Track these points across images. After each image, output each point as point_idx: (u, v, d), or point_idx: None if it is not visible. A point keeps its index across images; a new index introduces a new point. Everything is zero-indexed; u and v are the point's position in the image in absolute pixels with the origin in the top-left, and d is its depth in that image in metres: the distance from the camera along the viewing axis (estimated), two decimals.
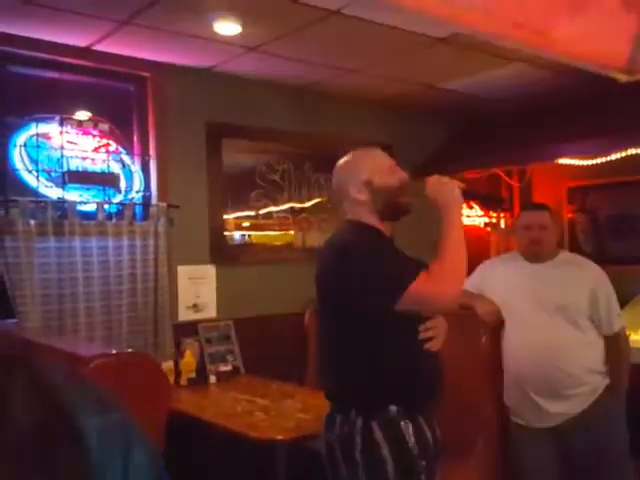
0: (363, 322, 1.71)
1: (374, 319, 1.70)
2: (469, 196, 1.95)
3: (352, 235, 1.80)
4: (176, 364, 3.41)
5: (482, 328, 2.58)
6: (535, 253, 2.58)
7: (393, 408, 1.69)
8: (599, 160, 4.01)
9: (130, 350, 2.17)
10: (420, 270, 1.69)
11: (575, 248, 4.65)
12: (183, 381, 3.38)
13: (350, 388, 1.75)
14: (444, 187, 1.85)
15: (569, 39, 1.29)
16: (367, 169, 1.84)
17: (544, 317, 2.48)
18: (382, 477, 1.66)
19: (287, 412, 2.63)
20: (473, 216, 5.16)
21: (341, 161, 1.92)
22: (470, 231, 5.23)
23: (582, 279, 2.52)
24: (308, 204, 4.28)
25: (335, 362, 1.80)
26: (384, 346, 1.72)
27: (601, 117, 3.83)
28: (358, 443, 1.67)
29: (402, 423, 1.69)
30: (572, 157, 4.11)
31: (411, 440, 1.68)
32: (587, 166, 4.22)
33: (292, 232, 4.22)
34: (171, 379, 3.19)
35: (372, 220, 1.83)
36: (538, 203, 3.17)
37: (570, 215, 5.02)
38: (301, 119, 4.12)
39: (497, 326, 2.59)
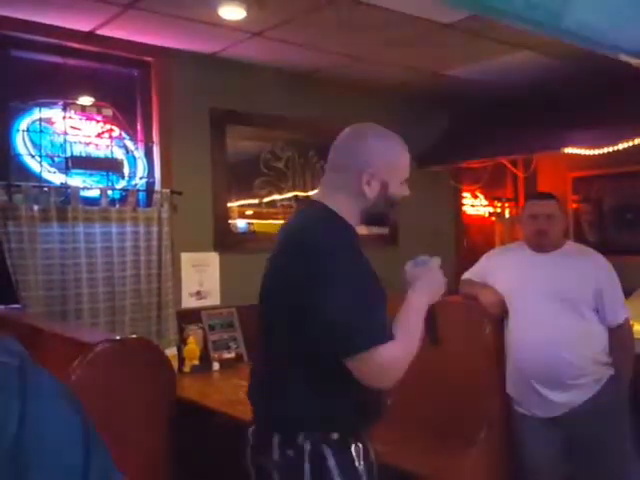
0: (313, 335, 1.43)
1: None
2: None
3: (329, 228, 1.50)
4: (179, 351, 3.42)
5: (485, 318, 2.57)
6: (541, 243, 2.56)
7: (346, 430, 1.48)
8: (606, 150, 3.99)
9: (134, 336, 2.17)
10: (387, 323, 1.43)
11: (580, 238, 4.63)
12: (186, 368, 3.38)
13: (300, 406, 1.48)
14: (440, 279, 1.59)
15: (583, 21, 1.27)
16: (394, 170, 1.56)
17: (548, 307, 2.47)
18: None
19: None
20: (478, 206, 5.15)
21: (379, 133, 1.59)
22: (475, 221, 5.23)
23: (587, 269, 2.51)
24: (312, 192, 4.27)
25: (281, 371, 1.52)
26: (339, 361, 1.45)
27: (608, 106, 3.80)
28: (307, 472, 1.44)
29: (353, 447, 1.48)
30: (578, 147, 4.08)
31: (360, 465, 1.48)
32: (592, 156, 4.19)
33: None
34: (175, 366, 3.19)
35: (354, 217, 1.55)
36: (544, 192, 3.14)
37: (575, 205, 5.00)
38: (306, 106, 4.09)
39: (501, 316, 2.58)
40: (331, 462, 1.44)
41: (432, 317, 1.56)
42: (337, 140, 1.59)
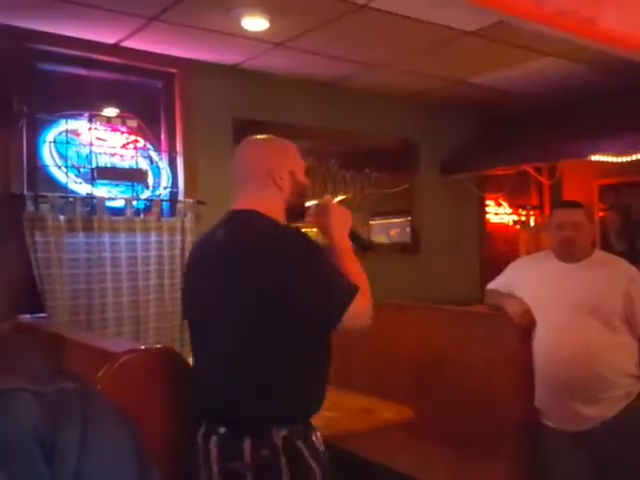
0: (284, 324, 1.52)
1: (297, 323, 1.53)
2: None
3: (275, 223, 1.62)
4: None
5: (512, 329, 2.53)
6: (568, 253, 2.51)
7: (305, 420, 1.57)
8: (633, 157, 3.92)
9: (159, 345, 2.18)
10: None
11: (606, 247, 4.55)
12: None
13: (272, 401, 1.53)
14: (343, 210, 1.77)
15: (615, 27, 1.24)
16: (293, 158, 1.73)
17: (577, 318, 2.42)
18: None
19: None
20: (501, 214, 5.10)
21: (263, 137, 1.77)
22: (499, 229, 5.17)
23: (616, 279, 2.46)
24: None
25: (241, 373, 1.54)
26: (305, 348, 1.56)
27: (635, 113, 3.73)
28: (283, 464, 1.48)
29: (313, 435, 1.56)
30: (605, 154, 4.02)
31: (323, 450, 1.57)
32: (619, 163, 4.13)
33: (316, 230, 4.19)
34: None
35: (281, 214, 1.67)
36: (571, 200, 3.09)
37: (601, 213, 4.92)
38: (327, 115, 4.10)
39: (528, 327, 2.54)
40: (305, 452, 1.51)
41: (355, 236, 1.75)
42: (237, 158, 1.75)
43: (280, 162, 1.69)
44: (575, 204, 2.65)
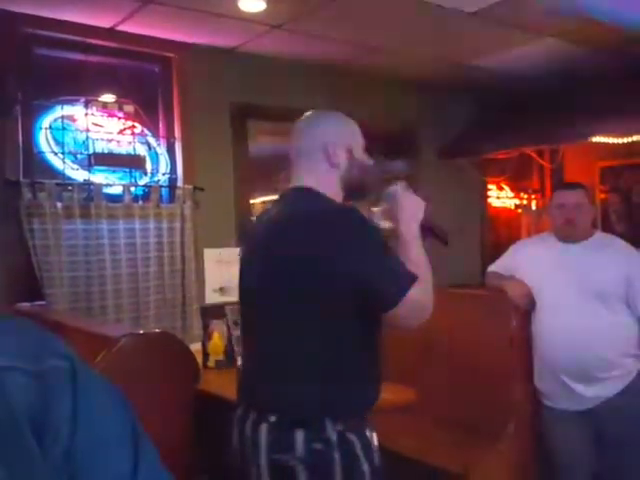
0: (341, 312, 1.45)
1: (353, 310, 1.45)
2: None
3: (332, 202, 1.54)
4: (204, 346, 3.42)
5: (513, 310, 2.52)
6: (569, 233, 2.50)
7: (361, 415, 1.50)
8: (634, 138, 3.89)
9: (158, 330, 2.17)
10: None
11: (607, 229, 4.53)
12: (211, 363, 3.38)
13: (324, 393, 1.45)
14: (415, 198, 1.67)
15: None
16: (351, 135, 1.65)
17: (577, 299, 2.42)
18: None
19: None
20: (503, 197, 5.07)
21: (322, 111, 1.72)
22: (501, 213, 5.15)
23: (617, 261, 2.45)
24: (406, 188, 4.22)
25: (295, 360, 1.47)
26: (360, 338, 1.49)
27: (637, 94, 3.70)
28: (337, 461, 1.41)
29: (367, 430, 1.49)
30: (606, 135, 3.99)
31: (376, 447, 1.50)
32: (621, 145, 4.10)
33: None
34: (199, 361, 3.19)
35: (337, 193, 1.59)
36: (573, 182, 3.07)
37: (603, 195, 4.90)
38: (327, 99, 4.06)
39: (528, 308, 2.53)
40: (358, 449, 1.44)
41: (431, 228, 1.66)
42: (294, 132, 1.68)
43: (337, 138, 1.61)
44: (576, 185, 2.63)
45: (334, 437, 1.41)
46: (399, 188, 1.69)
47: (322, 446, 1.41)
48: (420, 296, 1.46)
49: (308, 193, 1.55)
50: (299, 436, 1.40)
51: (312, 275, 1.42)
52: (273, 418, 1.44)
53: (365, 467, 1.44)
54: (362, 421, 1.49)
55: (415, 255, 1.55)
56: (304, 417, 1.43)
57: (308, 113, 1.70)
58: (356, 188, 1.64)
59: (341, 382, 1.46)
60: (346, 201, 1.62)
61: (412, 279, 1.45)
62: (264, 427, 1.45)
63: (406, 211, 1.62)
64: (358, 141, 1.66)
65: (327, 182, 1.57)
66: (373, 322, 1.50)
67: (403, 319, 1.46)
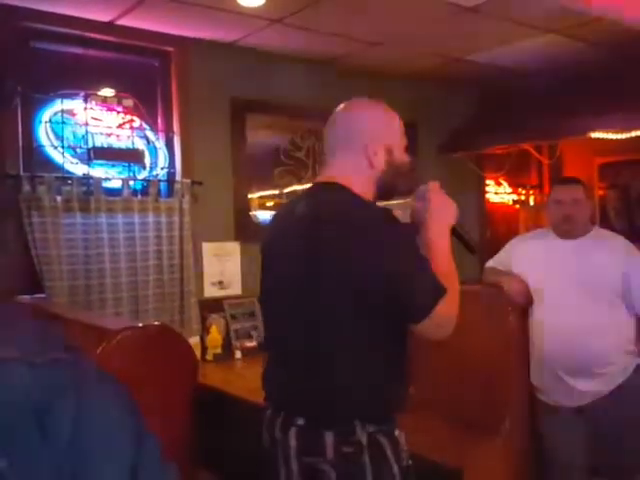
0: (373, 313, 1.39)
1: (378, 312, 1.39)
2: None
3: (366, 203, 1.44)
4: (202, 340, 3.44)
5: (509, 306, 2.53)
6: (567, 229, 2.51)
7: (391, 416, 1.46)
8: (633, 134, 3.90)
9: (157, 323, 2.18)
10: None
11: (606, 225, 4.54)
12: (209, 356, 3.40)
13: (354, 394, 1.41)
14: (448, 199, 1.57)
15: None
16: (394, 133, 1.54)
17: (574, 295, 2.42)
18: None
19: None
20: (501, 193, 5.08)
21: (366, 102, 1.56)
22: (498, 208, 5.16)
23: (614, 256, 2.45)
24: (437, 189, 4.21)
25: (325, 361, 1.41)
26: (388, 341, 1.44)
27: (635, 89, 3.70)
28: (367, 464, 1.38)
29: (397, 431, 1.46)
30: (605, 131, 3.99)
31: (405, 448, 1.47)
32: (619, 142, 4.10)
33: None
34: (197, 355, 3.21)
35: (369, 192, 1.50)
36: (571, 177, 3.08)
37: (601, 192, 4.91)
38: (326, 94, 4.05)
39: (525, 304, 2.54)
40: (388, 450, 1.41)
41: (459, 234, 1.55)
42: (332, 121, 1.55)
43: (378, 135, 1.50)
44: (574, 180, 2.64)
45: (364, 439, 1.38)
46: (432, 188, 1.58)
47: (352, 449, 1.38)
48: (447, 310, 1.40)
49: (337, 189, 1.46)
50: (329, 439, 1.37)
51: (344, 275, 1.36)
52: (302, 421, 1.41)
53: (395, 469, 1.41)
54: (392, 422, 1.46)
55: (445, 264, 1.46)
56: (334, 419, 1.40)
57: (350, 101, 1.56)
58: (389, 188, 1.56)
59: (371, 383, 1.42)
60: (377, 199, 1.54)
61: (441, 292, 1.38)
62: (293, 430, 1.42)
63: (438, 214, 1.53)
64: (400, 139, 1.55)
65: (361, 180, 1.48)
66: (403, 322, 1.45)
67: (429, 333, 1.41)
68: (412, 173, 1.60)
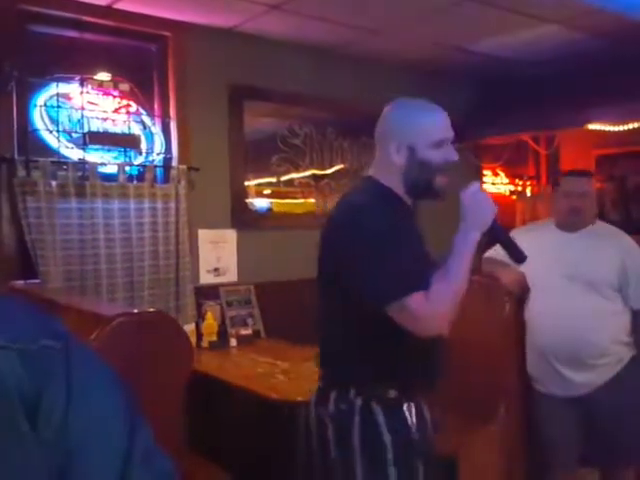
0: (352, 297, 1.54)
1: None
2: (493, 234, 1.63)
3: (366, 195, 1.58)
4: (197, 327, 3.43)
5: (506, 297, 2.53)
6: (574, 221, 2.50)
7: (401, 389, 1.56)
8: (630, 125, 3.89)
9: (152, 310, 2.17)
10: (426, 274, 1.47)
11: (602, 217, 4.53)
12: (204, 344, 3.40)
13: (348, 364, 1.60)
14: (484, 202, 1.55)
15: None
16: (416, 132, 1.57)
17: (570, 287, 2.43)
18: (380, 465, 1.51)
19: (307, 375, 2.62)
20: (498, 184, 5.08)
21: (402, 102, 1.67)
22: (495, 199, 5.14)
23: (612, 250, 2.46)
24: (330, 171, 4.21)
25: (331, 333, 1.66)
26: (379, 322, 1.50)
27: (634, 81, 3.69)
28: (357, 424, 1.53)
29: (405, 405, 1.56)
30: (602, 122, 3.98)
31: (414, 423, 1.55)
32: (617, 133, 4.10)
33: (313, 200, 4.16)
34: (193, 341, 3.20)
35: (397, 186, 1.60)
36: (580, 169, 3.05)
37: (598, 184, 4.90)
38: (324, 82, 4.03)
39: (521, 295, 2.54)
40: (380, 418, 1.53)
41: (502, 240, 1.59)
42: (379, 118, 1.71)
43: (402, 134, 1.58)
44: (584, 173, 2.63)
45: (359, 402, 1.55)
46: (468, 189, 1.55)
47: (346, 407, 1.56)
48: (430, 307, 1.43)
49: (366, 183, 1.66)
50: (332, 395, 1.59)
51: (332, 262, 1.58)
52: (321, 383, 1.67)
53: (387, 438, 1.52)
54: (387, 392, 1.56)
55: (455, 269, 1.49)
56: (337, 381, 1.62)
57: (395, 100, 1.70)
58: (413, 185, 1.60)
59: (362, 354, 1.59)
60: (416, 199, 1.65)
61: (412, 288, 1.43)
62: (316, 390, 1.69)
63: (471, 216, 1.53)
64: (425, 138, 1.57)
65: (389, 177, 1.62)
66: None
67: (407, 325, 1.47)
68: (439, 170, 1.59)
